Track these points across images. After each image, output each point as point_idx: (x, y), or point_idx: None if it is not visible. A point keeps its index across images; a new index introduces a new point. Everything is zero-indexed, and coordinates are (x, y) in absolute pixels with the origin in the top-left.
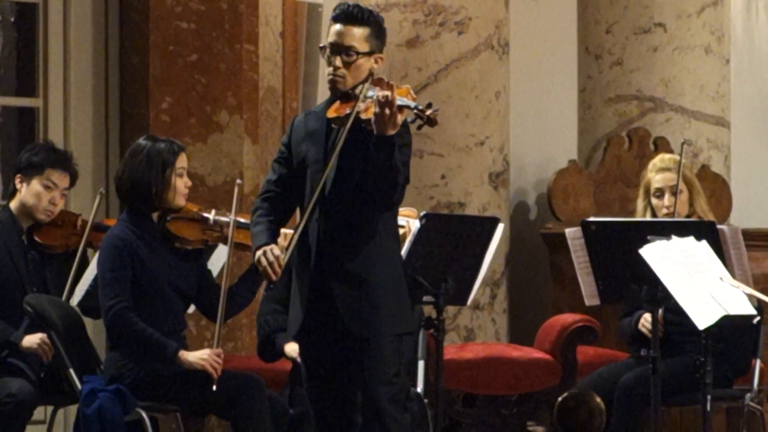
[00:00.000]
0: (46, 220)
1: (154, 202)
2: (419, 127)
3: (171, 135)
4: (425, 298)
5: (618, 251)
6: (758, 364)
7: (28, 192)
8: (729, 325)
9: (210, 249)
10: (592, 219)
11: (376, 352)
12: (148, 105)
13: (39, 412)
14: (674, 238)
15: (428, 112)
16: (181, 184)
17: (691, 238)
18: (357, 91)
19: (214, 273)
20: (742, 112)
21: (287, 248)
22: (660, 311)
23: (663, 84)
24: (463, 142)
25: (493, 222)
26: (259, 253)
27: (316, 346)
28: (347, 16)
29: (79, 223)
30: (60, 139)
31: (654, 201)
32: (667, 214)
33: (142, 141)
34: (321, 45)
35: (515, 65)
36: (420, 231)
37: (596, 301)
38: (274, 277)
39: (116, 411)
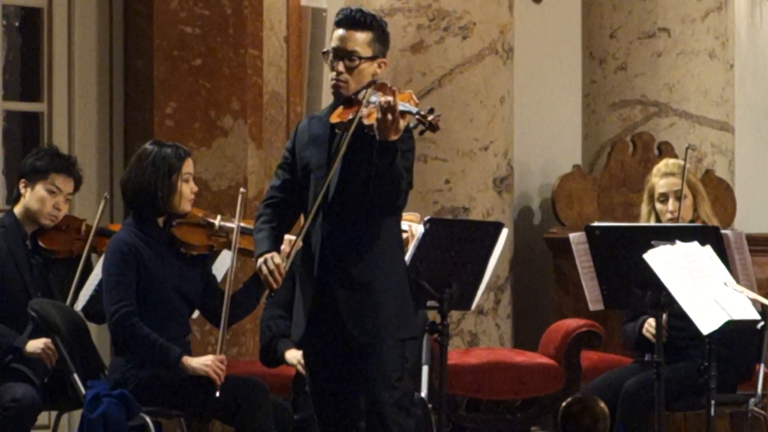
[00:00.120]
0: (50, 225)
1: (159, 207)
2: (421, 133)
3: (175, 140)
4: (429, 303)
5: (622, 256)
6: (762, 369)
7: (33, 197)
8: (733, 330)
9: (214, 254)
10: (596, 224)
11: (380, 357)
12: (152, 110)
13: (43, 417)
14: (678, 243)
15: (430, 118)
16: (187, 190)
17: (696, 243)
18: (360, 96)
19: (218, 278)
20: (747, 117)
21: (288, 255)
22: (664, 316)
23: (667, 89)
24: (467, 146)
25: (497, 227)
26: (260, 261)
27: (319, 352)
28: (350, 20)
29: (83, 228)
30: (64, 144)
31: (658, 206)
32: (671, 219)
33: (148, 146)
34: (324, 50)
35: (519, 70)
36: (424, 236)
37: (600, 306)
38: (274, 286)
39: (120, 416)
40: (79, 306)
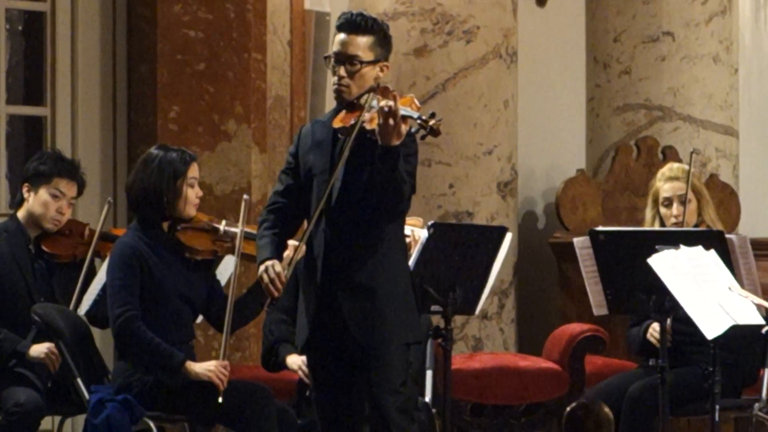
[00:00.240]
0: (53, 229)
1: (164, 211)
2: (423, 137)
3: (178, 144)
4: (433, 308)
5: (626, 261)
6: (767, 373)
7: (36, 201)
8: (737, 334)
9: (218, 259)
10: (600, 228)
11: (384, 361)
12: (155, 114)
13: (47, 422)
14: (683, 247)
15: (431, 122)
16: (192, 194)
17: (700, 248)
18: (362, 101)
19: (221, 283)
20: (751, 121)
21: (291, 261)
22: (668, 321)
23: (671, 93)
24: (471, 151)
25: (501, 231)
26: (261, 268)
27: (323, 357)
28: (351, 24)
29: (87, 232)
30: (67, 148)
31: (662, 210)
32: (675, 224)
33: (153, 150)
34: (325, 55)
35: (523, 74)
36: (428, 240)
37: (604, 311)
38: (275, 294)
39: (124, 421)
40: (82, 310)
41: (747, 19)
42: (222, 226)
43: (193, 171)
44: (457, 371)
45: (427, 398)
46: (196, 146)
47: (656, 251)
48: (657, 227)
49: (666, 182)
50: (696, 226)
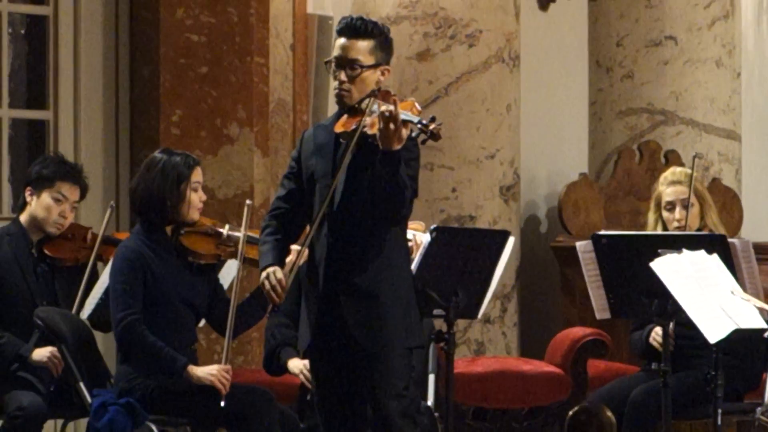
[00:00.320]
0: (56, 233)
1: (168, 215)
2: (423, 142)
3: (181, 148)
4: (436, 312)
5: (629, 265)
6: None
7: (38, 205)
8: (740, 338)
9: (220, 263)
10: (602, 232)
11: (386, 365)
12: (158, 118)
13: (49, 426)
14: (685, 251)
15: (431, 127)
16: (196, 198)
17: (702, 252)
18: (363, 105)
19: (224, 287)
20: (753, 125)
21: (293, 267)
22: (671, 325)
23: (674, 97)
24: (473, 155)
25: (504, 235)
26: (263, 275)
27: (325, 361)
28: (350, 29)
29: (89, 236)
30: (70, 152)
31: (665, 214)
32: (678, 228)
33: (157, 154)
34: (326, 60)
35: (526, 78)
36: (430, 244)
37: (607, 315)
38: (277, 301)
39: (126, 424)
40: (85, 314)
41: (749, 24)
42: (225, 230)
43: (197, 175)
44: (459, 375)
45: (430, 402)
46: (198, 150)
47: (659, 255)
48: (659, 231)
49: (668, 186)
50: (698, 230)
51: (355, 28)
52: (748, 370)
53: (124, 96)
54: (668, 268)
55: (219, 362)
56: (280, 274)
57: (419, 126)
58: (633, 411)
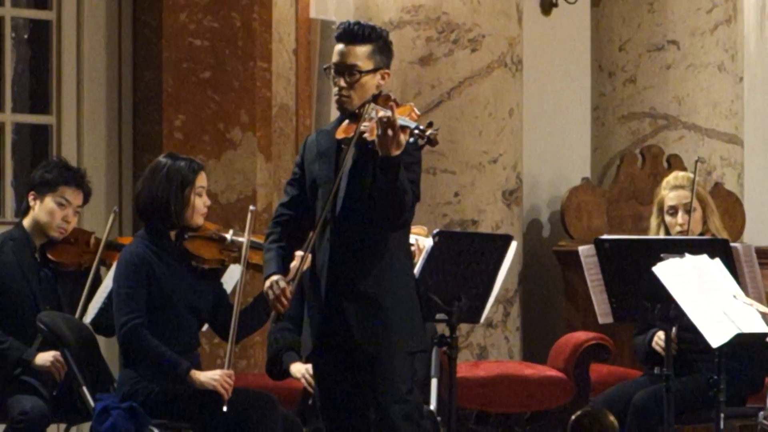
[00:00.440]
0: (59, 237)
1: (172, 220)
2: (420, 147)
3: (184, 152)
4: (438, 316)
5: (631, 269)
6: None
7: (42, 209)
8: (742, 343)
9: (224, 268)
10: (605, 237)
11: (389, 370)
12: (161, 122)
13: (52, 430)
14: (688, 256)
15: (428, 132)
16: (200, 203)
17: (705, 256)
18: (363, 110)
19: (226, 291)
20: (756, 129)
21: (296, 272)
22: (673, 329)
23: (676, 101)
24: (476, 159)
25: (506, 240)
26: (266, 284)
27: (328, 365)
28: (348, 34)
29: (92, 241)
30: (73, 157)
31: (667, 219)
32: (680, 232)
33: (162, 159)
34: (325, 66)
35: (528, 83)
36: (433, 249)
37: (609, 319)
38: (281, 310)
39: (129, 429)
40: (88, 319)
41: (752, 28)
42: (229, 235)
43: (201, 180)
44: (462, 379)
45: (432, 406)
46: (201, 155)
47: (661, 260)
48: (662, 236)
49: (671, 191)
50: (701, 234)
51: (352, 33)
52: (750, 375)
53: (127, 100)
54: (671, 272)
55: (222, 367)
56: (283, 283)
57: (416, 131)
58: (636, 415)
